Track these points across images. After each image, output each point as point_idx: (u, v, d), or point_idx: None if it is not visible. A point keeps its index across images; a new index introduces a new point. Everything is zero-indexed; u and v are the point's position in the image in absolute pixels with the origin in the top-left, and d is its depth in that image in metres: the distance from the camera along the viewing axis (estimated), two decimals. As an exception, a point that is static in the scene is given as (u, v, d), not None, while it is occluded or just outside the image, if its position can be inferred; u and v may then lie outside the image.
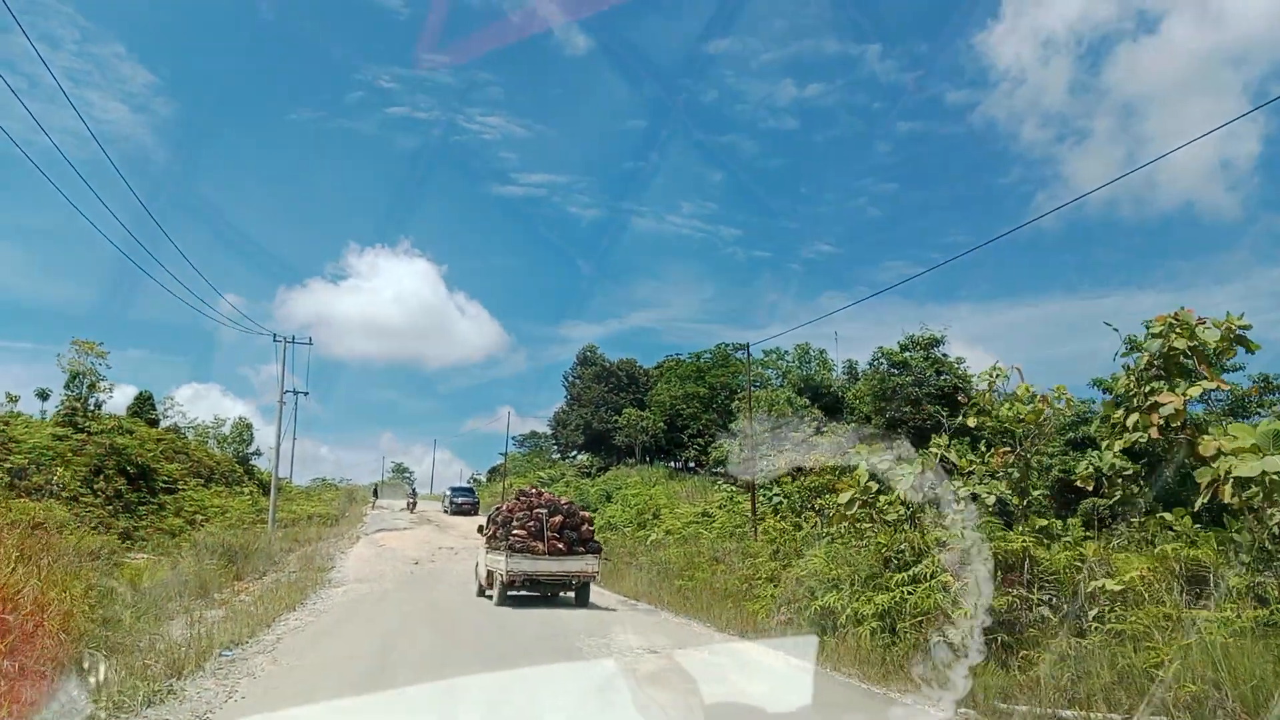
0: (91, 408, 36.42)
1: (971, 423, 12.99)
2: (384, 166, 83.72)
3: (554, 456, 63.24)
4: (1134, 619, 9.04)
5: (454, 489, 50.74)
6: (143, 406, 45.07)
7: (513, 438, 65.38)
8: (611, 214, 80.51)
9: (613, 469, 52.73)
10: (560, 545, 14.85)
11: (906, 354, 36.92)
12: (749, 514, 24.21)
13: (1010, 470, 12.22)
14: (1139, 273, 70.10)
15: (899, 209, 77.48)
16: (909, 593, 11.37)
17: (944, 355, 36.90)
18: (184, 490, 36.91)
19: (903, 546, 12.37)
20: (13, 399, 35.99)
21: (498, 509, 16.69)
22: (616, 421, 55.23)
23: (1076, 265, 72.29)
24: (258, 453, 51.54)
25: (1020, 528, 12.28)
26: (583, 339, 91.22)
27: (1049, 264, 73.80)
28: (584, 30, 76.95)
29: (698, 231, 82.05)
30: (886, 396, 36.06)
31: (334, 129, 79.47)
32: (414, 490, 57.67)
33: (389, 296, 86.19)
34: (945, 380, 36.63)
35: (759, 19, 74.91)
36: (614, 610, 15.39)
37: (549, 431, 64.81)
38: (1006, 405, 12.54)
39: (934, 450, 13.09)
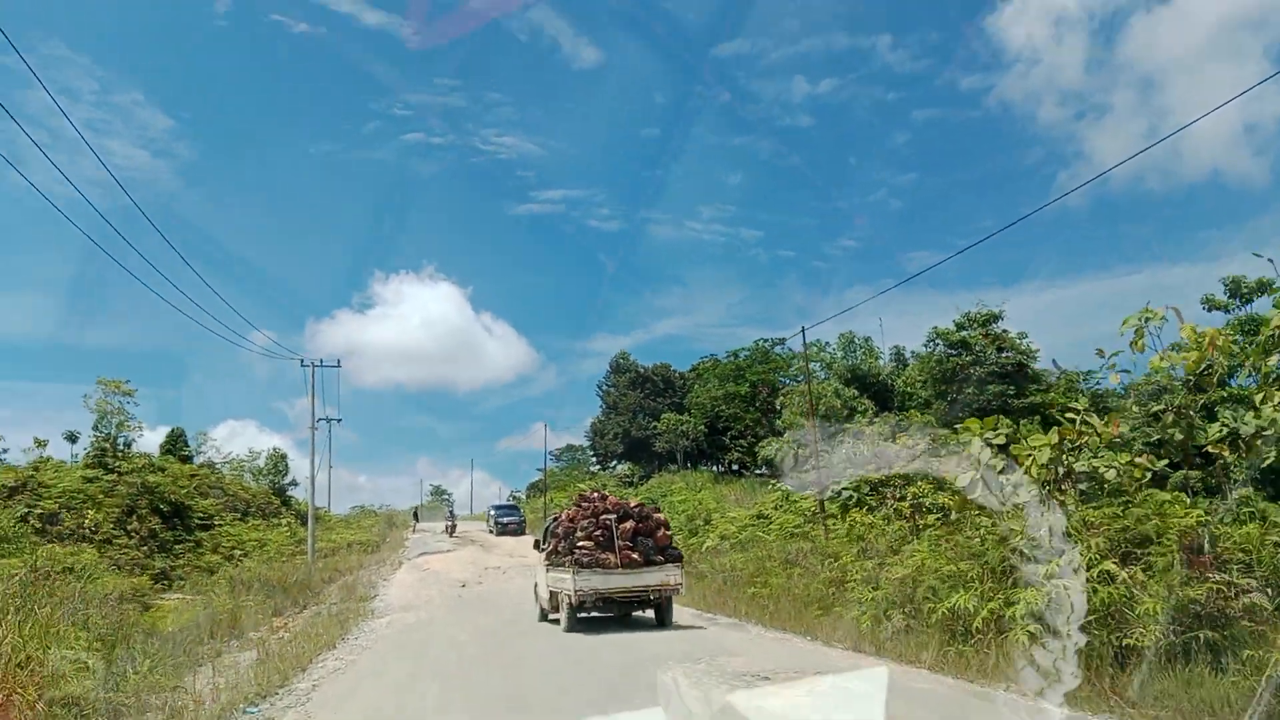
0: (121, 447, 35.42)
1: (1115, 380, 11.06)
2: (404, 193, 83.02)
3: (593, 468, 61.45)
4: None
5: (497, 508, 48.18)
6: (175, 444, 44.17)
7: (550, 453, 63.76)
8: (631, 224, 79.18)
9: (655, 476, 50.82)
10: (635, 555, 12.91)
11: (964, 333, 34.67)
12: (809, 513, 22.30)
13: (1171, 431, 10.19)
14: (1170, 246, 67.27)
15: (920, 199, 75.22)
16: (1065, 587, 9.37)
17: (1004, 331, 34.62)
18: (220, 525, 35.72)
19: (1041, 531, 10.35)
20: (40, 443, 35.03)
21: (555, 519, 14.82)
22: (655, 427, 53.29)
23: (1106, 242, 69.60)
24: (294, 483, 50.46)
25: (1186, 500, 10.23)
26: (611, 350, 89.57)
27: (1079, 243, 71.19)
28: (591, 42, 75.82)
29: (719, 235, 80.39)
30: (947, 379, 33.82)
31: (352, 160, 79.16)
32: (452, 513, 55.62)
33: (416, 322, 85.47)
34: (1007, 357, 34.35)
35: (767, 18, 73.29)
36: (699, 628, 13.45)
37: (586, 444, 63.13)
38: (1158, 356, 10.56)
39: (1070, 418, 11.11)
